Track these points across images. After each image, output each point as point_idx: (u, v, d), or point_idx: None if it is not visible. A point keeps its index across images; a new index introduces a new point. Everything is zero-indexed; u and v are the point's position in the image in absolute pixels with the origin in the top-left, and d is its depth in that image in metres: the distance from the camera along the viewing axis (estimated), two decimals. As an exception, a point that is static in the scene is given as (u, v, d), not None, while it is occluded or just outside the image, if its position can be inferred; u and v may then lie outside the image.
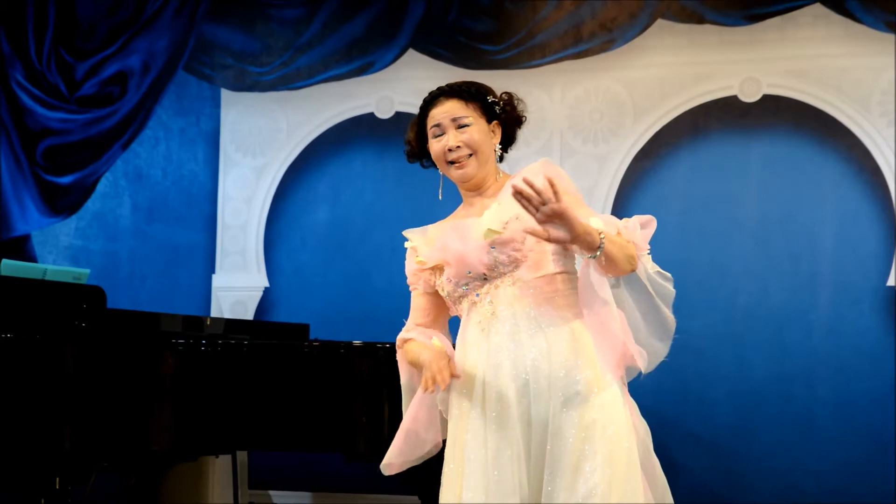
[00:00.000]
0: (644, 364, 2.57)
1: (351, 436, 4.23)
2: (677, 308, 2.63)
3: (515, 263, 2.58)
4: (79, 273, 5.25)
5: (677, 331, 2.66)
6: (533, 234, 2.41)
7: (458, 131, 2.68)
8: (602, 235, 2.42)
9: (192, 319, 5.37)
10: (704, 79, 5.99)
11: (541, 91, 6.18)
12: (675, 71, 6.04)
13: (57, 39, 6.87)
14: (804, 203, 5.78)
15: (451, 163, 2.68)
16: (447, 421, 2.65)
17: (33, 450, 4.20)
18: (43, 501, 4.25)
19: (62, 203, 6.86)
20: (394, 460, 2.71)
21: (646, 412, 2.65)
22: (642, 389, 2.64)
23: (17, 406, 4.20)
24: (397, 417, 2.78)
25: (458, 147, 2.67)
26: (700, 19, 6.00)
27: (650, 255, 2.60)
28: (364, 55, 6.47)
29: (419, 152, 2.78)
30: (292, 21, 6.61)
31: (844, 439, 5.59)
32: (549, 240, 2.41)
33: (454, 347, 2.66)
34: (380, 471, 2.76)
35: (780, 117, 5.87)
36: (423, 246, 2.71)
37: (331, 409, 4.26)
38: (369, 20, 6.47)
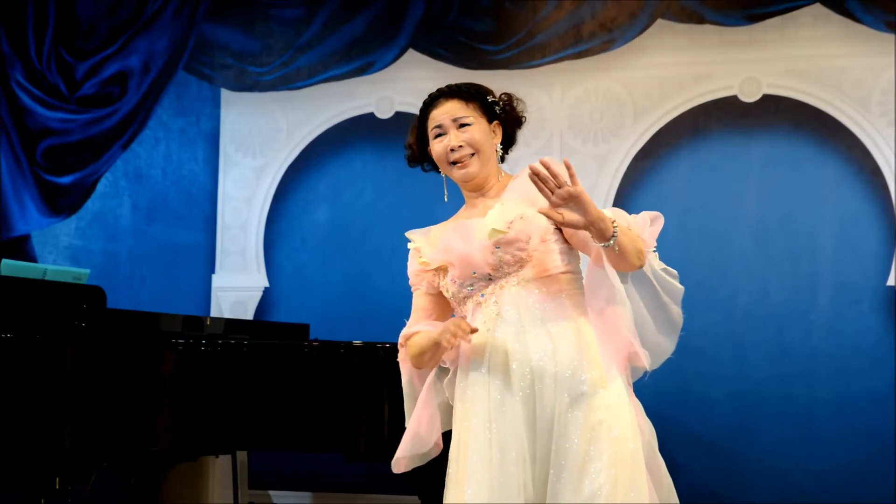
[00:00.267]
0: (649, 361, 2.57)
1: (351, 436, 4.23)
2: (677, 307, 2.64)
3: (520, 263, 2.57)
4: (79, 273, 5.25)
5: (677, 331, 2.66)
6: (548, 216, 2.41)
7: (459, 131, 2.68)
8: (615, 224, 2.43)
9: (192, 319, 5.37)
10: (704, 79, 5.99)
11: (541, 91, 6.18)
12: (675, 71, 6.04)
13: (57, 39, 6.87)
14: (804, 203, 5.78)
15: (454, 163, 2.68)
16: (451, 409, 2.64)
17: (33, 450, 4.20)
18: (43, 501, 4.25)
19: (62, 203, 6.86)
20: (402, 454, 2.70)
21: (646, 412, 2.65)
22: (642, 389, 2.64)
23: (17, 406, 4.20)
24: (397, 417, 2.78)
25: (461, 147, 2.67)
26: (700, 19, 6.00)
27: (657, 253, 2.60)
28: (364, 55, 6.47)
29: (420, 156, 2.77)
30: (292, 21, 6.61)
31: (844, 439, 5.59)
32: (563, 223, 2.41)
33: None
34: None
35: (780, 117, 5.87)
36: (426, 247, 2.70)
37: (331, 409, 4.26)
38: (369, 20, 6.47)
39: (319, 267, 6.43)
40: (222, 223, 6.62)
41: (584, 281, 2.60)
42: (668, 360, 2.67)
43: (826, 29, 5.83)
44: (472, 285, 2.61)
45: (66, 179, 6.83)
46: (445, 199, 2.78)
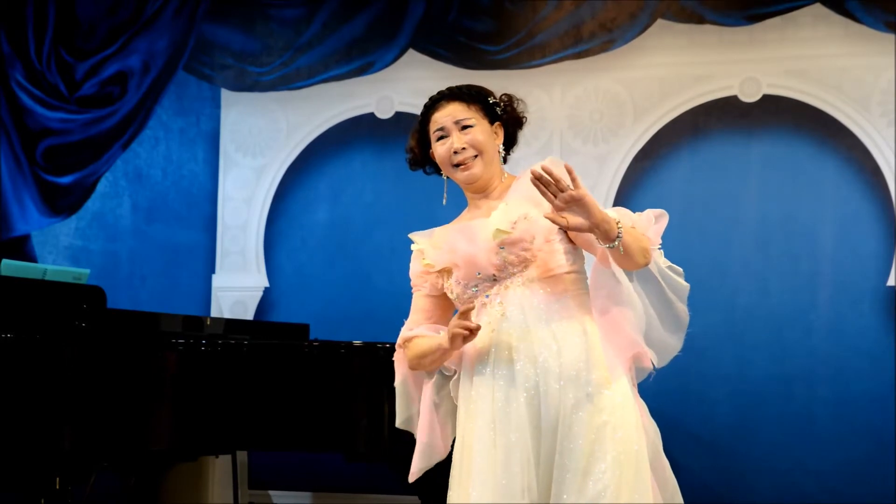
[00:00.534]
0: (656, 360, 2.57)
1: (351, 436, 4.23)
2: (679, 307, 2.64)
3: (525, 263, 2.57)
4: (79, 273, 5.25)
5: (678, 330, 2.66)
6: (553, 220, 2.41)
7: (462, 133, 2.68)
8: (619, 224, 2.42)
9: (192, 319, 5.37)
10: (704, 79, 5.99)
11: (541, 91, 6.18)
12: (675, 71, 6.04)
13: (57, 39, 6.87)
14: (804, 203, 5.78)
15: (457, 165, 2.68)
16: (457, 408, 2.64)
17: (33, 450, 4.20)
18: (43, 501, 4.26)
19: (62, 203, 6.86)
20: (418, 466, 2.70)
21: (646, 412, 2.64)
22: (643, 390, 2.64)
23: (17, 406, 4.20)
24: (397, 417, 2.78)
25: (464, 149, 2.66)
26: (700, 19, 6.00)
27: (662, 251, 2.60)
28: (364, 55, 6.47)
29: (422, 159, 2.77)
30: (292, 21, 6.61)
31: (844, 439, 5.59)
32: (567, 227, 2.41)
33: None
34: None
35: (780, 117, 5.87)
36: (430, 249, 2.70)
37: (331, 409, 4.26)
38: (369, 20, 6.47)
39: (319, 267, 6.43)
40: (222, 223, 6.62)
41: (589, 280, 2.60)
42: (669, 361, 2.67)
43: (826, 29, 5.83)
44: (476, 286, 2.61)
45: (66, 179, 6.83)
46: (444, 202, 2.77)
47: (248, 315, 6.47)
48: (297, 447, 4.38)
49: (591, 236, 2.47)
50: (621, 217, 2.49)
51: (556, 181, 2.38)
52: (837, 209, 5.74)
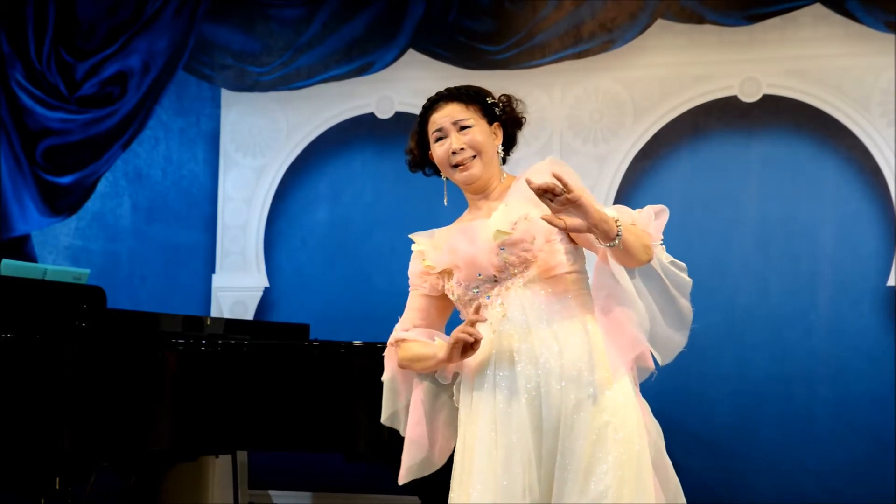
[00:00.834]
0: (660, 357, 2.57)
1: (351, 436, 4.23)
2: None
3: (526, 264, 2.57)
4: (79, 273, 5.25)
5: (678, 330, 2.66)
6: (551, 223, 2.40)
7: (460, 133, 2.67)
8: (619, 223, 2.42)
9: (192, 319, 5.37)
10: (704, 79, 5.99)
11: (541, 91, 6.18)
12: (675, 71, 6.04)
13: (57, 39, 6.87)
14: (804, 203, 5.78)
15: (456, 166, 2.67)
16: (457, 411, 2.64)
17: (33, 450, 4.20)
18: (43, 501, 4.26)
19: (62, 203, 6.86)
20: (406, 464, 2.71)
21: (646, 412, 2.64)
22: (643, 389, 2.64)
23: (17, 406, 4.20)
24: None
25: (462, 149, 2.66)
26: (700, 19, 6.00)
27: (664, 246, 2.59)
28: (364, 55, 6.47)
29: (421, 160, 2.77)
30: (292, 21, 6.61)
31: (844, 439, 5.59)
32: (566, 228, 2.40)
33: None
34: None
35: (780, 117, 5.87)
36: (430, 250, 2.69)
37: (331, 409, 4.25)
38: (369, 20, 6.48)
39: (319, 267, 6.43)
40: (222, 223, 6.63)
41: (591, 280, 2.59)
42: (674, 357, 2.67)
43: (826, 29, 5.83)
44: (477, 287, 2.60)
45: (66, 179, 6.83)
46: (445, 204, 2.77)
47: (248, 315, 6.47)
48: (297, 447, 4.38)
49: (592, 235, 2.47)
50: (620, 215, 2.48)
51: (549, 190, 2.36)
52: (837, 209, 5.74)
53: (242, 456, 5.66)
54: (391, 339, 2.74)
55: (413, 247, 2.75)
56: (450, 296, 2.67)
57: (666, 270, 2.57)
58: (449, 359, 2.55)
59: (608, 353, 2.53)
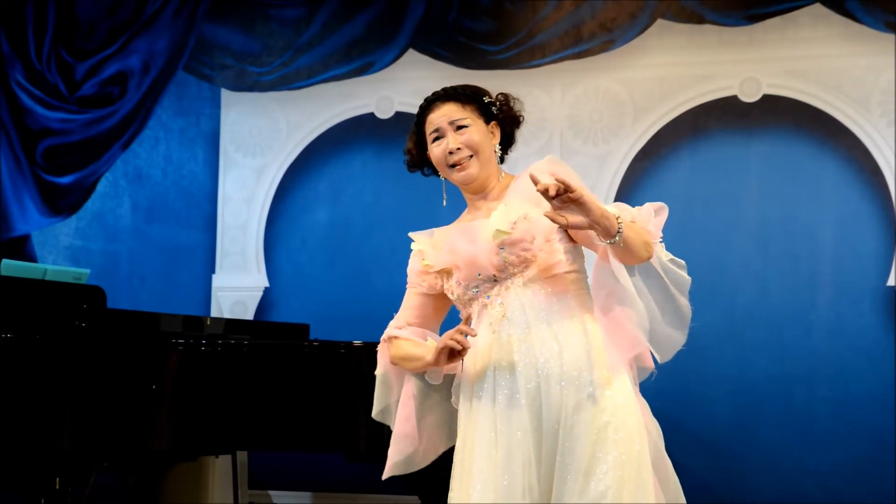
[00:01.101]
0: (659, 356, 2.56)
1: (351, 436, 4.23)
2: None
3: (525, 264, 2.56)
4: (79, 273, 5.25)
5: (678, 330, 2.65)
6: (552, 219, 2.38)
7: (457, 133, 2.66)
8: (619, 220, 2.42)
9: (192, 319, 5.37)
10: (704, 79, 5.99)
11: (541, 91, 6.18)
12: (675, 71, 6.04)
13: (57, 39, 6.87)
14: (804, 203, 5.78)
15: (453, 166, 2.67)
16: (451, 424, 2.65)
17: (33, 450, 4.20)
18: (43, 501, 4.26)
19: (62, 203, 6.86)
20: (391, 460, 2.72)
21: (646, 412, 2.64)
22: (643, 389, 2.64)
23: (17, 406, 4.20)
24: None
25: (459, 149, 2.65)
26: (700, 19, 6.00)
27: (663, 244, 2.59)
28: (364, 55, 6.47)
29: (420, 161, 2.77)
30: (292, 21, 6.61)
31: (844, 439, 5.59)
32: (567, 226, 2.39)
33: None
34: (380, 471, 2.76)
35: (780, 117, 5.87)
36: (430, 250, 2.69)
37: (331, 409, 4.26)
38: (369, 20, 6.48)
39: (319, 267, 6.43)
40: (222, 223, 6.62)
41: (591, 279, 2.59)
42: (669, 361, 2.66)
43: (826, 29, 5.83)
44: (477, 287, 2.60)
45: (66, 179, 6.83)
46: (444, 204, 2.77)
47: (248, 315, 6.47)
48: (298, 447, 4.38)
49: (593, 233, 2.46)
50: (621, 212, 2.47)
51: (548, 189, 2.36)
52: (837, 209, 5.74)
53: (242, 456, 5.66)
54: (384, 335, 2.75)
55: (412, 245, 2.75)
56: (449, 295, 2.67)
57: (665, 268, 2.57)
58: (436, 362, 2.55)
59: (608, 352, 2.53)
